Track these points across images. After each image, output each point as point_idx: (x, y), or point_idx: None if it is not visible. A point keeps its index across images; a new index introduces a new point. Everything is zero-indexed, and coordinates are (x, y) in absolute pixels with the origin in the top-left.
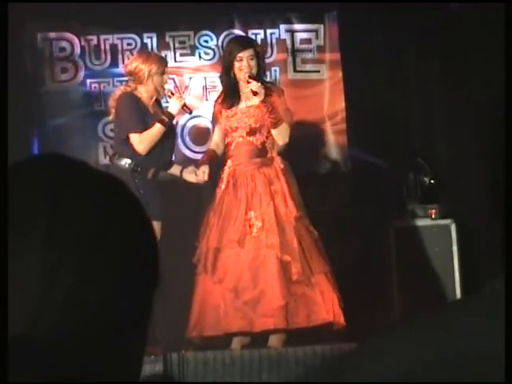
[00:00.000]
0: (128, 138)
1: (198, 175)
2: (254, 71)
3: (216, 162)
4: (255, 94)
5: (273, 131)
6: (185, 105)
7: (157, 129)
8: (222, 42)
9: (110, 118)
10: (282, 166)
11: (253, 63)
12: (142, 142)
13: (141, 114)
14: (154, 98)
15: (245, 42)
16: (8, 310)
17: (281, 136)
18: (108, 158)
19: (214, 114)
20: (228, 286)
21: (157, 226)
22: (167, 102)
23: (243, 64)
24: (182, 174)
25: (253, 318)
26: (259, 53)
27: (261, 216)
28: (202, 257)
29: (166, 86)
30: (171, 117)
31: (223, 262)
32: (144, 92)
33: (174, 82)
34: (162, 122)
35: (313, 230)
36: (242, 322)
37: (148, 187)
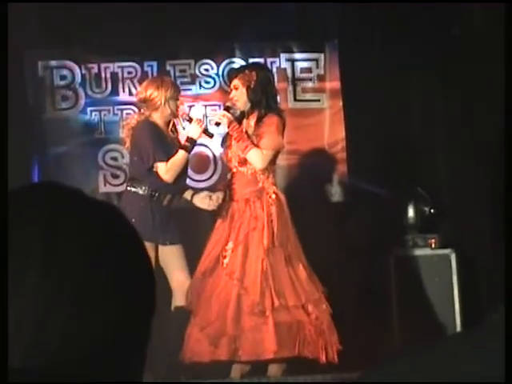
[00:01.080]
0: (152, 167)
1: (212, 199)
2: (240, 102)
3: None
4: (217, 124)
5: (246, 157)
6: (206, 130)
7: (181, 155)
8: (223, 71)
9: (126, 146)
10: (273, 196)
11: (236, 93)
12: (169, 170)
13: (162, 142)
14: (171, 123)
15: (231, 73)
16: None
17: (252, 161)
18: (108, 185)
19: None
20: (194, 313)
21: (174, 249)
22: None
23: (232, 93)
24: (193, 199)
25: (205, 348)
26: (245, 82)
27: (235, 247)
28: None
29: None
30: (193, 142)
31: (196, 290)
32: (159, 118)
33: None
34: (185, 148)
35: (295, 263)
36: (198, 351)
37: (164, 212)
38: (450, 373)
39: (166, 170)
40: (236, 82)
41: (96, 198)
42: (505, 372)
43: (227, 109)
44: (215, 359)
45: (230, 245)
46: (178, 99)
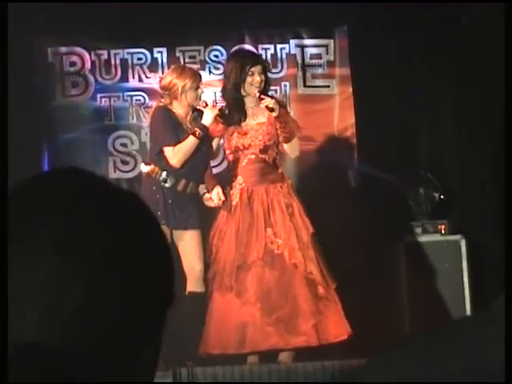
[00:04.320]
0: (162, 151)
1: (213, 199)
2: (263, 86)
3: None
4: (271, 110)
5: (285, 146)
6: (218, 115)
7: (190, 141)
8: None
9: (148, 134)
10: (289, 181)
11: (262, 78)
12: (175, 155)
13: (174, 128)
14: (190, 113)
15: (255, 57)
16: (18, 320)
17: (293, 150)
18: (118, 171)
19: (216, 132)
20: (257, 304)
21: (188, 234)
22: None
23: (255, 79)
24: (204, 201)
25: (285, 336)
26: (266, 68)
27: (280, 233)
28: (221, 274)
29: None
30: (205, 128)
31: (249, 280)
32: (179, 108)
33: None
34: (194, 134)
35: (319, 246)
36: (274, 340)
37: (178, 198)
38: (458, 357)
39: (172, 155)
40: (261, 67)
41: (115, 184)
42: (505, 372)
43: (266, 94)
44: (304, 345)
45: (270, 231)
46: (197, 89)
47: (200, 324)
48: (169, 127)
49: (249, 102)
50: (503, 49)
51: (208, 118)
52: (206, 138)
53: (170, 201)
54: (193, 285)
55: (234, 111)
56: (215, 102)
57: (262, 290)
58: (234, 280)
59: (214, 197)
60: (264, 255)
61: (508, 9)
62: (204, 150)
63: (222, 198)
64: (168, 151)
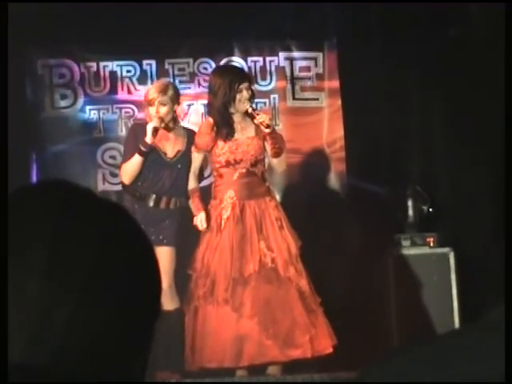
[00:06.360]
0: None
1: (197, 225)
2: (250, 101)
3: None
4: (267, 126)
5: (274, 160)
6: (155, 128)
7: (134, 159)
8: None
9: None
10: (275, 195)
11: (250, 93)
12: (123, 172)
13: (136, 145)
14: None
15: (242, 73)
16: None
17: (280, 164)
18: (107, 183)
19: (204, 146)
20: (254, 318)
21: (167, 251)
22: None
23: (244, 95)
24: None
25: (283, 349)
26: (252, 82)
27: (272, 246)
28: (216, 287)
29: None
30: (145, 144)
31: (246, 294)
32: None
33: None
34: (139, 152)
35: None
36: (273, 353)
37: (150, 213)
38: (446, 370)
39: (122, 172)
40: (246, 84)
41: (103, 197)
42: (505, 372)
43: (256, 110)
44: (300, 357)
45: (263, 244)
46: (151, 105)
47: (177, 340)
48: (130, 144)
49: (236, 118)
50: (493, 61)
51: (148, 133)
52: (149, 153)
53: (139, 217)
54: (164, 303)
55: (222, 127)
56: (204, 114)
57: (259, 304)
58: (229, 294)
59: (197, 223)
60: (259, 269)
61: (508, 9)
62: (173, 164)
63: (204, 225)
64: (121, 168)
